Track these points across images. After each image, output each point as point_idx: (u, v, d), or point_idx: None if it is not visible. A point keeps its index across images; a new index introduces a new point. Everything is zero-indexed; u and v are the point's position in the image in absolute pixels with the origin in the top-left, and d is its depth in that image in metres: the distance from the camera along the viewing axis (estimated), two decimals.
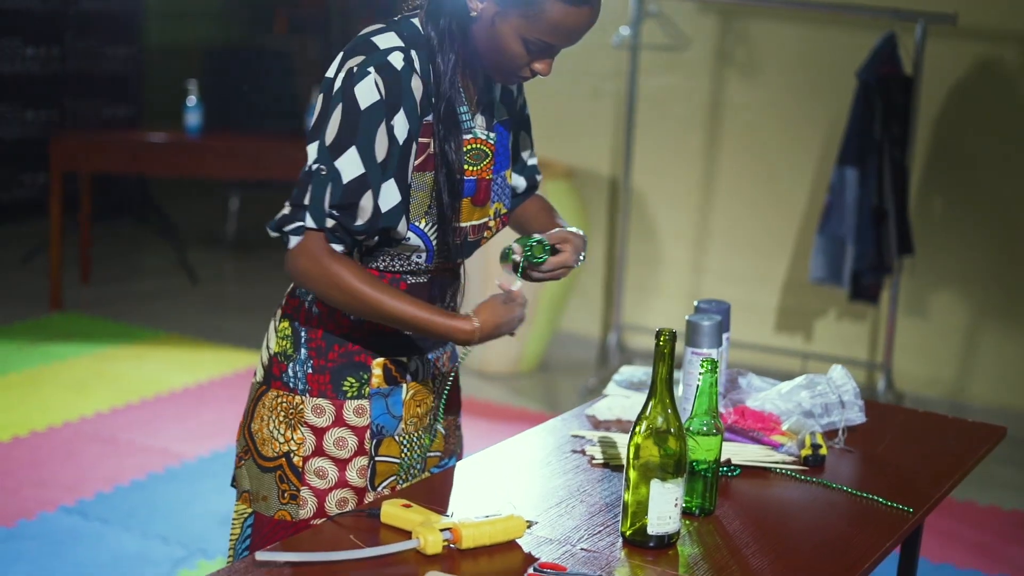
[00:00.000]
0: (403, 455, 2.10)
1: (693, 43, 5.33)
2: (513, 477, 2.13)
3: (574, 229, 2.21)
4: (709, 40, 5.34)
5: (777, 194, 5.30)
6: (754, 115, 5.30)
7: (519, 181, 2.27)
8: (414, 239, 1.98)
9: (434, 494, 2.02)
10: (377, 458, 2.07)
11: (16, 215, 7.64)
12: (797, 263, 5.27)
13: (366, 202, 1.90)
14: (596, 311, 5.77)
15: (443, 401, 2.20)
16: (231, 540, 2.15)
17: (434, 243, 2.00)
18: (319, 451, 2.04)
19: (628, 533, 1.87)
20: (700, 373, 1.99)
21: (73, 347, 5.47)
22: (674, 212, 5.55)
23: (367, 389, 2.05)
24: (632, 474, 1.86)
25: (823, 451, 2.24)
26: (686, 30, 5.33)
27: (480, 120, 2.05)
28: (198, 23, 8.58)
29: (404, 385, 2.09)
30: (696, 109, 5.42)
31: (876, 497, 2.10)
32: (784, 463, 2.22)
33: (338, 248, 1.93)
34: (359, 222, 1.91)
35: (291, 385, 2.05)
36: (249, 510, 2.10)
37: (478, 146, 2.04)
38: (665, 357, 1.87)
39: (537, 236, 2.09)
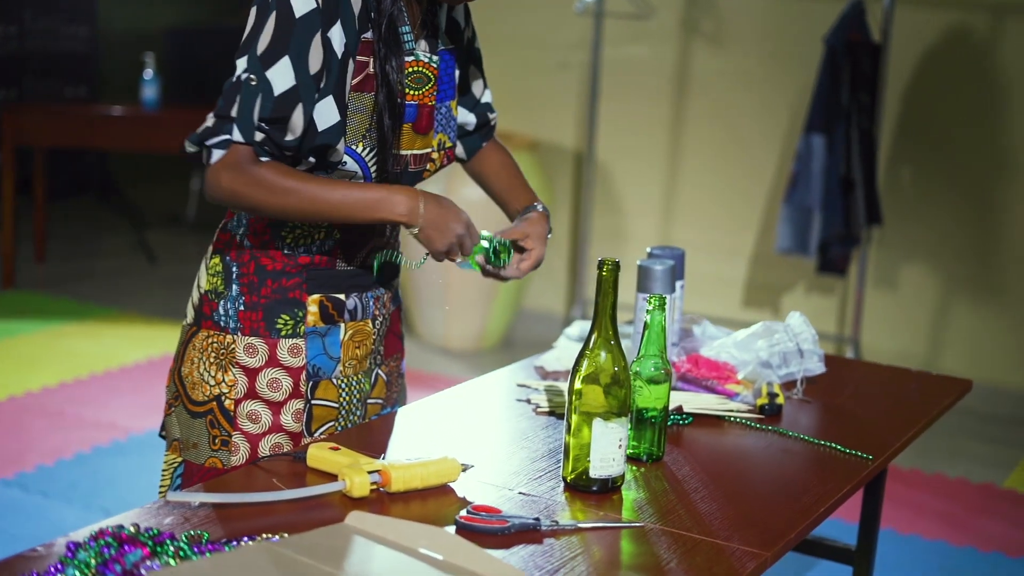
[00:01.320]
0: (341, 399, 2.01)
1: (658, 11, 5.25)
2: (454, 424, 2.05)
3: (537, 206, 2.12)
4: (675, 8, 5.27)
5: (745, 166, 5.25)
6: (721, 85, 5.24)
7: (469, 118, 2.18)
8: (351, 163, 1.89)
9: (370, 440, 1.94)
10: (313, 401, 1.98)
11: None
12: (765, 236, 5.22)
13: (297, 116, 1.81)
14: (560, 287, 5.72)
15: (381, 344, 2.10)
16: (160, 493, 2.05)
17: (372, 170, 1.91)
18: (251, 393, 1.95)
19: (570, 478, 1.79)
20: (648, 311, 1.89)
21: (24, 324, 5.37)
22: (640, 185, 5.49)
23: (302, 327, 1.96)
24: (574, 416, 1.77)
25: (780, 400, 2.18)
26: None
27: (423, 44, 1.96)
28: (161, 5, 8.47)
29: (342, 324, 1.99)
30: (662, 79, 5.36)
31: (834, 444, 2.04)
32: (739, 412, 2.15)
33: (266, 160, 1.83)
34: (289, 137, 1.81)
35: (222, 324, 1.96)
36: (179, 459, 2.00)
37: (420, 69, 1.95)
38: (608, 288, 1.77)
39: (498, 239, 2.00)
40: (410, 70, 1.93)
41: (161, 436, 2.06)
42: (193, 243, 7.24)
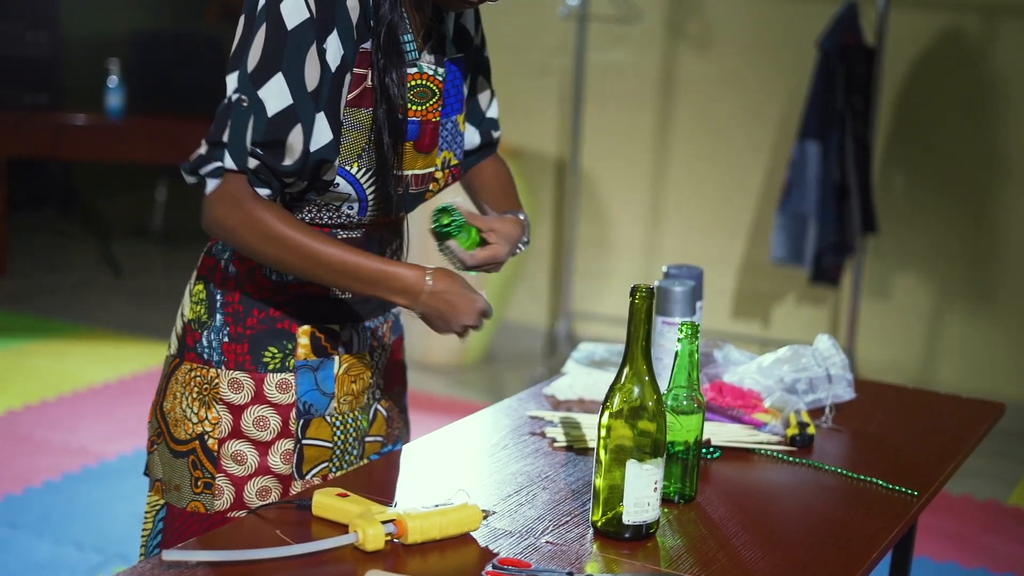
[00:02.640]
0: (336, 438, 1.85)
1: (644, 14, 5.16)
2: (465, 463, 1.90)
3: (518, 213, 1.96)
4: (660, 11, 5.19)
5: (733, 173, 5.17)
6: (708, 89, 5.15)
7: (474, 137, 2.01)
8: (344, 185, 1.73)
9: (374, 482, 1.79)
10: (305, 441, 1.82)
11: None
12: (755, 245, 5.13)
13: (295, 139, 1.65)
14: (543, 299, 5.62)
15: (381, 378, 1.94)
16: (143, 535, 1.91)
17: (368, 192, 1.74)
18: (236, 432, 1.79)
19: (600, 523, 1.64)
20: (679, 339, 1.76)
21: None
22: (625, 193, 5.39)
23: (292, 361, 1.80)
24: (604, 455, 1.63)
25: (811, 430, 2.04)
26: (636, 1, 5.15)
27: (428, 56, 1.80)
28: (125, 10, 8.28)
29: (336, 357, 1.83)
30: (647, 85, 5.26)
31: (875, 480, 1.90)
32: (769, 443, 2.02)
33: (263, 192, 1.67)
34: (287, 162, 1.65)
35: (205, 356, 1.80)
36: (162, 501, 1.86)
37: (424, 83, 1.78)
38: (642, 317, 1.62)
39: (462, 218, 1.83)
40: (413, 83, 1.76)
41: (145, 475, 1.91)
42: (160, 255, 7.08)
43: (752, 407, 2.09)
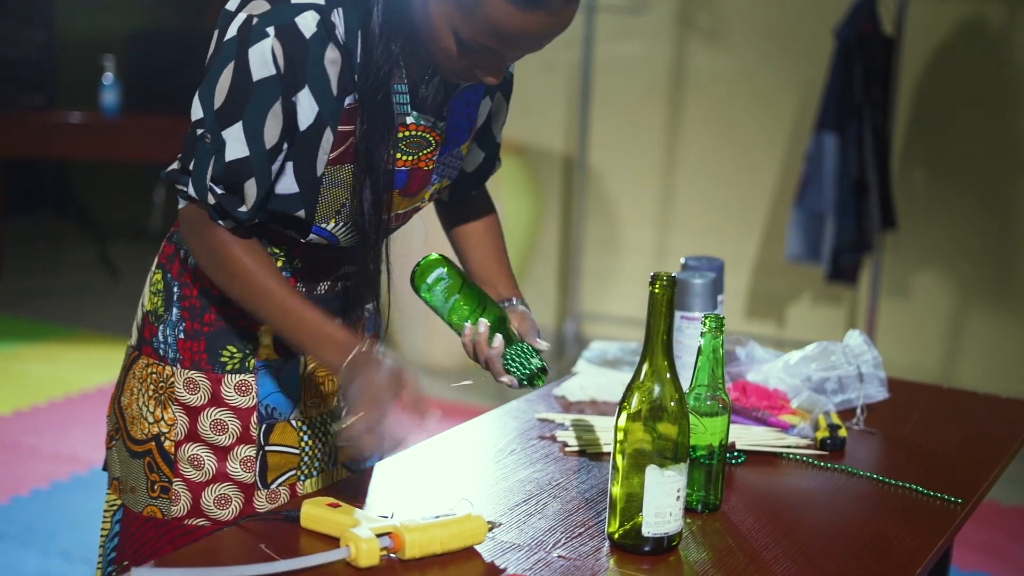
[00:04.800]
0: (303, 444, 1.72)
1: (653, 5, 5.11)
2: (469, 469, 1.78)
3: (516, 304, 1.79)
4: (670, 2, 5.14)
5: (746, 169, 5.11)
6: (720, 83, 5.09)
7: (477, 156, 1.82)
8: (316, 240, 1.62)
9: (369, 492, 1.67)
10: (268, 448, 1.69)
11: None
12: (769, 243, 5.07)
13: (249, 189, 1.55)
14: (550, 300, 5.57)
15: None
16: (101, 536, 1.80)
17: (342, 239, 1.64)
18: (193, 436, 1.68)
19: (617, 535, 1.53)
20: (702, 333, 1.63)
21: None
22: (635, 190, 5.32)
23: (252, 361, 1.68)
24: (621, 460, 1.51)
25: (843, 432, 1.92)
26: None
27: (429, 94, 1.62)
28: (123, 7, 8.22)
29: (301, 357, 1.71)
30: (657, 78, 5.19)
31: (914, 486, 1.77)
32: (797, 447, 1.89)
33: (224, 224, 1.58)
34: (242, 208, 1.56)
35: (160, 352, 1.70)
36: (119, 501, 1.75)
37: (419, 134, 1.62)
38: (663, 308, 1.49)
39: (522, 344, 1.67)
40: (404, 134, 1.61)
41: (104, 470, 1.81)
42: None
43: (778, 408, 1.97)
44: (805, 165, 4.49)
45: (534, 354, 1.66)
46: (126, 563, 1.71)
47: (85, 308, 5.85)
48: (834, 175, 4.38)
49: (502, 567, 1.44)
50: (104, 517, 1.78)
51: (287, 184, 1.57)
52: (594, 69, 5.14)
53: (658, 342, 1.49)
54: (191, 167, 1.55)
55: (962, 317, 4.83)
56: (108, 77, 5.75)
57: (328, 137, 1.55)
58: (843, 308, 4.98)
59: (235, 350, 1.67)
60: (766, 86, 4.99)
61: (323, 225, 1.60)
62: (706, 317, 1.62)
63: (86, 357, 5.05)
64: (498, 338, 1.65)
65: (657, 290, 1.49)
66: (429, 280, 1.67)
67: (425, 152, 1.64)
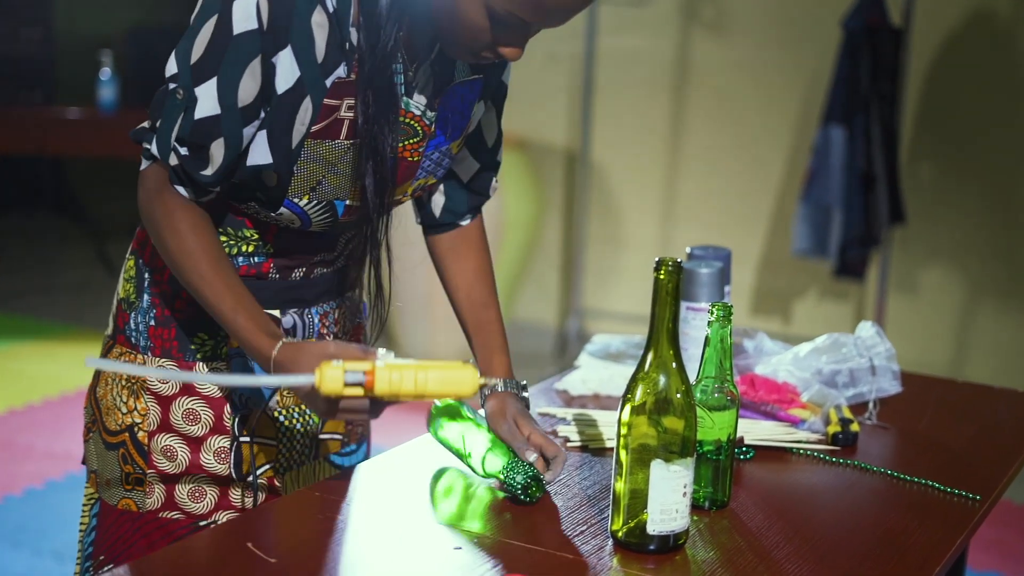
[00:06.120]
0: (280, 435, 1.68)
1: None
2: (466, 465, 1.70)
3: (500, 386, 1.71)
4: None
5: (752, 162, 5.08)
6: (725, 75, 5.06)
7: (472, 166, 1.77)
8: (287, 215, 1.56)
9: (362, 489, 1.61)
10: (243, 439, 1.65)
11: None
12: (775, 238, 5.04)
13: (216, 150, 1.49)
14: (552, 297, 5.55)
15: None
16: (80, 530, 1.76)
17: (315, 218, 1.57)
18: (166, 426, 1.64)
19: (621, 533, 1.47)
20: (709, 322, 1.57)
21: None
22: (638, 185, 5.29)
23: (224, 349, 1.63)
24: (625, 456, 1.45)
25: (855, 427, 1.87)
26: None
27: (421, 80, 1.57)
28: (121, 4, 8.21)
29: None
30: (661, 71, 5.17)
31: (930, 482, 1.71)
32: (808, 442, 1.84)
33: (181, 191, 1.51)
34: (206, 171, 1.50)
35: (132, 340, 1.65)
36: (97, 495, 1.71)
37: (408, 121, 1.58)
38: (668, 295, 1.43)
39: (528, 470, 1.59)
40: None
41: (83, 463, 1.77)
42: None
43: (788, 402, 1.91)
44: (812, 158, 4.47)
45: (522, 469, 1.58)
46: (102, 557, 1.67)
47: (79, 306, 5.85)
48: (841, 168, 4.35)
49: (502, 566, 1.38)
50: (83, 511, 1.75)
51: (260, 154, 1.51)
52: (597, 62, 5.12)
53: (663, 331, 1.43)
54: (158, 124, 1.50)
55: (971, 313, 4.79)
56: (105, 73, 5.74)
57: (307, 108, 1.49)
58: (850, 304, 4.95)
59: (206, 337, 1.63)
60: (771, 78, 4.96)
61: (295, 200, 1.54)
62: (713, 305, 1.56)
63: (80, 355, 4.99)
64: (491, 461, 1.62)
65: (663, 275, 1.43)
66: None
67: (412, 141, 1.59)
